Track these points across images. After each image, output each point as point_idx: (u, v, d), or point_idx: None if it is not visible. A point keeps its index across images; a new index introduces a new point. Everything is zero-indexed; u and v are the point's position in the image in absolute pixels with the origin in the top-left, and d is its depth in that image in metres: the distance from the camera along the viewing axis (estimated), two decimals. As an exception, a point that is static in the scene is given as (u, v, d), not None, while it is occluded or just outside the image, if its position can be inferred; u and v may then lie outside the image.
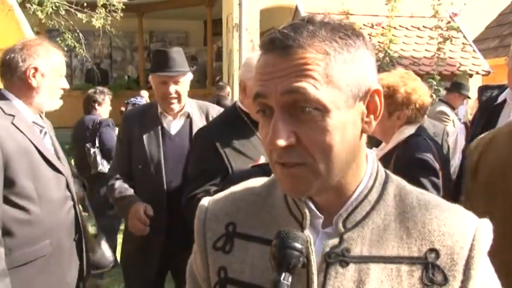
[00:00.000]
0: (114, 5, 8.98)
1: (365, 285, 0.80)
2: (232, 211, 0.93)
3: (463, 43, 8.52)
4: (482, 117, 2.69)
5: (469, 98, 5.82)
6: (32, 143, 2.02)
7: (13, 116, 2.01)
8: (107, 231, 4.69)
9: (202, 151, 2.19)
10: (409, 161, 2.06)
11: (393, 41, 7.24)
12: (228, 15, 10.51)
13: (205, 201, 0.97)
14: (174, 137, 2.61)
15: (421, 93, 2.19)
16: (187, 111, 2.64)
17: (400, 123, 2.18)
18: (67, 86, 2.24)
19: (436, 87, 6.15)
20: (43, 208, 2.02)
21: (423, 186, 1.90)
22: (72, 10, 8.91)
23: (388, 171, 0.90)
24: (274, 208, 0.90)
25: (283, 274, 0.75)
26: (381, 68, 5.81)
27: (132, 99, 8.22)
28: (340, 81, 0.76)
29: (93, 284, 4.29)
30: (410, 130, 2.18)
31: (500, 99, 2.65)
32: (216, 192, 1.07)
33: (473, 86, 5.88)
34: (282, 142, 0.75)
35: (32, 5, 8.13)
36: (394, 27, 7.63)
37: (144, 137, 2.57)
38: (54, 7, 8.47)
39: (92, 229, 4.03)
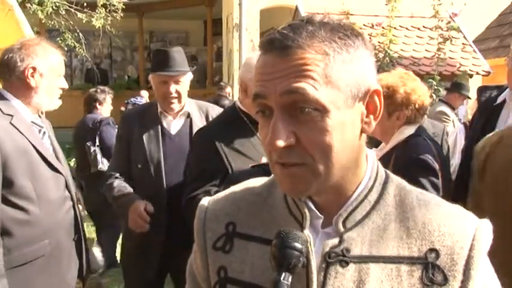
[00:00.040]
0: (114, 5, 8.97)
1: (365, 285, 0.80)
2: (232, 211, 0.93)
3: (463, 43, 8.52)
4: (482, 118, 2.69)
5: (469, 98, 5.82)
6: (30, 142, 2.01)
7: (12, 115, 2.01)
8: (106, 230, 4.71)
9: (202, 151, 2.19)
10: (409, 161, 2.06)
11: (393, 41, 7.23)
12: (228, 15, 10.51)
13: (205, 201, 0.97)
14: (174, 137, 2.61)
15: (421, 93, 2.19)
16: (187, 111, 2.64)
17: (400, 124, 2.19)
18: (66, 86, 2.23)
19: (436, 87, 6.15)
20: (42, 208, 2.01)
21: (423, 187, 1.90)
22: (72, 10, 8.89)
23: (388, 171, 0.90)
24: (274, 208, 0.90)
25: (283, 274, 0.75)
26: (381, 68, 5.82)
27: (132, 99, 8.21)
28: (339, 81, 0.76)
29: (93, 283, 4.29)
30: (409, 130, 2.18)
31: (499, 99, 2.65)
32: (216, 193, 1.07)
33: (473, 86, 5.89)
34: (281, 142, 0.75)
35: (32, 5, 8.11)
36: (394, 28, 7.62)
37: (144, 136, 2.57)
38: (54, 7, 8.45)
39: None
